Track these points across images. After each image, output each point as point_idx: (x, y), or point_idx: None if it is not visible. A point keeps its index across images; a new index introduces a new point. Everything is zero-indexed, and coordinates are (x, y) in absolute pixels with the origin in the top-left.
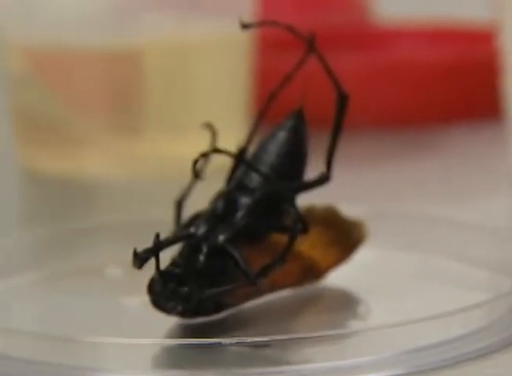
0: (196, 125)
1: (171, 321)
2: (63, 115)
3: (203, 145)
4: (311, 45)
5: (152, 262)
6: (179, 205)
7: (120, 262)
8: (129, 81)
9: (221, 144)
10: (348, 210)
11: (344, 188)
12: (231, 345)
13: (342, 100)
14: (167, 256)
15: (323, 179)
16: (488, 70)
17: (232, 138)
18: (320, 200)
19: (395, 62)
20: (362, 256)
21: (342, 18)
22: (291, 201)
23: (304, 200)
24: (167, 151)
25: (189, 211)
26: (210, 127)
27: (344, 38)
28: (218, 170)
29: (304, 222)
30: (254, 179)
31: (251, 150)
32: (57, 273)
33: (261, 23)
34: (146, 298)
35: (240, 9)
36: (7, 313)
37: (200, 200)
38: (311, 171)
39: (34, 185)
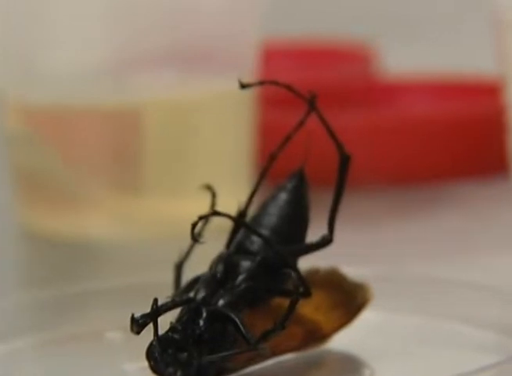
0: (198, 185)
1: None
2: (61, 174)
3: (205, 204)
4: (311, 104)
5: (151, 326)
6: (179, 269)
7: (120, 326)
8: (129, 140)
9: (224, 203)
10: (352, 272)
11: (348, 248)
12: None
13: (344, 161)
14: (167, 319)
15: (325, 242)
16: (496, 125)
17: (235, 197)
18: (323, 261)
19: (401, 117)
20: (366, 319)
21: (346, 73)
22: (293, 265)
23: (307, 262)
24: (167, 211)
25: (188, 274)
26: (209, 188)
27: (349, 93)
28: (220, 231)
29: (306, 285)
30: (255, 242)
31: (252, 211)
32: (56, 338)
33: (261, 83)
34: (145, 364)
35: (242, 66)
36: None
37: (201, 262)
38: (313, 233)
39: (33, 245)
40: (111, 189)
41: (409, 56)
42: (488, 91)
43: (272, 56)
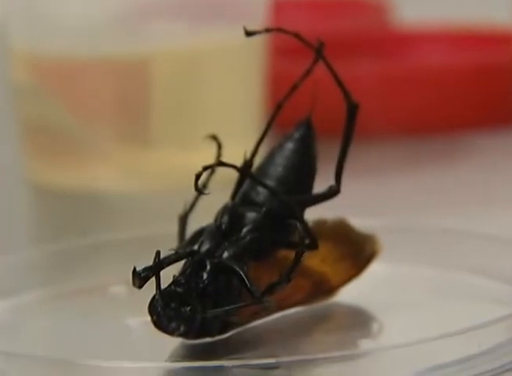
0: (207, 136)
1: (175, 342)
2: (69, 126)
3: (214, 156)
4: (319, 52)
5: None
6: (183, 220)
7: (125, 280)
8: (137, 91)
9: (235, 154)
10: (360, 223)
11: (357, 199)
12: (235, 367)
13: (351, 110)
14: (171, 273)
15: (333, 193)
16: None
17: (245, 147)
18: (331, 213)
19: (415, 67)
20: (374, 271)
21: (362, 23)
22: (299, 216)
23: (314, 213)
24: (176, 162)
25: (194, 226)
26: (215, 139)
27: (364, 43)
28: (226, 182)
29: (312, 237)
30: (261, 193)
31: (258, 161)
32: (62, 293)
33: (267, 30)
34: (149, 318)
35: (253, 17)
36: (11, 333)
37: (206, 214)
38: (321, 183)
39: (41, 198)
40: (119, 141)
41: (423, 5)
42: (503, 40)
43: (286, 6)
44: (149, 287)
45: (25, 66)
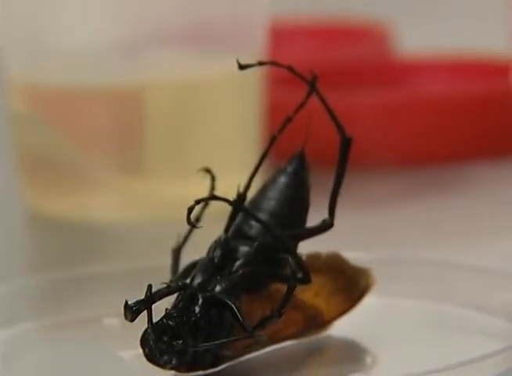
0: (202, 167)
1: (168, 375)
2: (66, 155)
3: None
4: (312, 85)
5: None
6: (176, 253)
7: (119, 312)
8: (134, 121)
9: (231, 185)
10: (354, 256)
11: (351, 232)
12: None
13: (345, 143)
14: (163, 306)
15: (326, 226)
16: None
17: (240, 179)
18: (323, 246)
19: (415, 96)
20: (368, 304)
21: (363, 52)
22: (291, 250)
23: (308, 247)
24: (172, 193)
25: (186, 259)
26: (208, 172)
27: (364, 72)
28: (221, 215)
29: (305, 271)
30: (254, 227)
31: (252, 194)
32: (56, 324)
33: (260, 63)
34: (141, 351)
35: (251, 46)
36: (4, 364)
37: (200, 246)
38: (315, 215)
39: (37, 227)
40: (115, 171)
41: (424, 35)
42: (504, 70)
43: (286, 35)
44: (144, 319)
45: (22, 94)
